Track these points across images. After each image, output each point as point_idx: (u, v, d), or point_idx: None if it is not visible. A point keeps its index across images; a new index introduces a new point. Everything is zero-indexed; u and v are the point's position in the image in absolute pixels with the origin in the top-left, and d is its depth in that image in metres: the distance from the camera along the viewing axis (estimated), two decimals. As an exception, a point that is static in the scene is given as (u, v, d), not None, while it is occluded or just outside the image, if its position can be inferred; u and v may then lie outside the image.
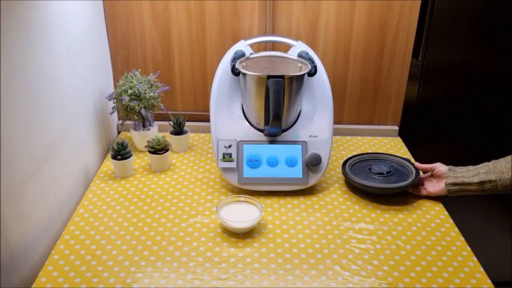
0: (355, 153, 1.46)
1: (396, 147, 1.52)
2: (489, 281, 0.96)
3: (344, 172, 1.27)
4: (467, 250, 1.05)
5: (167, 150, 1.33)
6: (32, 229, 0.99)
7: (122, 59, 1.51)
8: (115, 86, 1.51)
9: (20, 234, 0.95)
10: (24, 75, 0.94)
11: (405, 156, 1.39)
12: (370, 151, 1.48)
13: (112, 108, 1.40)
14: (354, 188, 1.27)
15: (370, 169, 1.27)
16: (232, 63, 1.22)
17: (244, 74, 1.19)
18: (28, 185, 0.97)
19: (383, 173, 1.24)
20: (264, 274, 0.97)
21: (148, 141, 1.31)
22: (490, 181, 1.09)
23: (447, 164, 1.20)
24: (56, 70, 1.09)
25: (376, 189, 1.21)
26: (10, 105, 0.89)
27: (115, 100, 1.37)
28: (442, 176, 1.19)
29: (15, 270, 0.93)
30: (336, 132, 1.49)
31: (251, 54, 1.29)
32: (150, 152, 1.32)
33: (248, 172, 1.22)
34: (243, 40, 1.33)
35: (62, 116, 1.14)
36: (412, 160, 1.35)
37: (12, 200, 0.91)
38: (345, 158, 1.36)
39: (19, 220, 0.94)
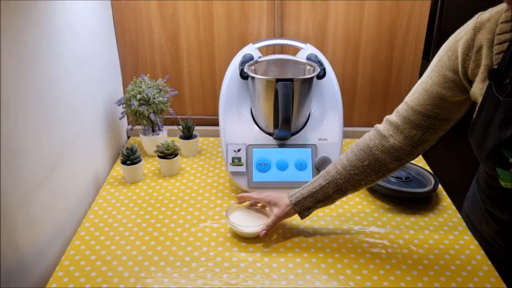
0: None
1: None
2: (504, 285, 0.94)
3: None
4: (481, 254, 1.03)
5: (176, 155, 1.32)
6: (42, 234, 1.00)
7: (131, 64, 1.52)
8: (124, 91, 1.52)
9: (31, 240, 0.95)
10: (33, 82, 0.94)
11: (426, 168, 1.35)
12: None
13: (122, 113, 1.40)
14: (365, 192, 1.26)
15: None
16: (241, 67, 1.22)
17: (253, 78, 1.19)
18: (38, 191, 0.97)
19: (401, 178, 1.23)
20: (274, 279, 0.96)
21: (158, 146, 1.31)
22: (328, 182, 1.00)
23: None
24: (65, 75, 1.10)
25: (396, 193, 1.19)
26: (20, 112, 0.89)
27: (124, 105, 1.38)
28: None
29: (26, 276, 0.93)
30: (346, 135, 1.48)
31: (259, 57, 1.29)
32: (159, 156, 1.32)
33: (257, 176, 1.21)
34: (251, 44, 1.32)
35: (72, 122, 1.14)
36: (423, 163, 1.33)
37: (23, 206, 0.91)
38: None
39: (30, 226, 0.94)
